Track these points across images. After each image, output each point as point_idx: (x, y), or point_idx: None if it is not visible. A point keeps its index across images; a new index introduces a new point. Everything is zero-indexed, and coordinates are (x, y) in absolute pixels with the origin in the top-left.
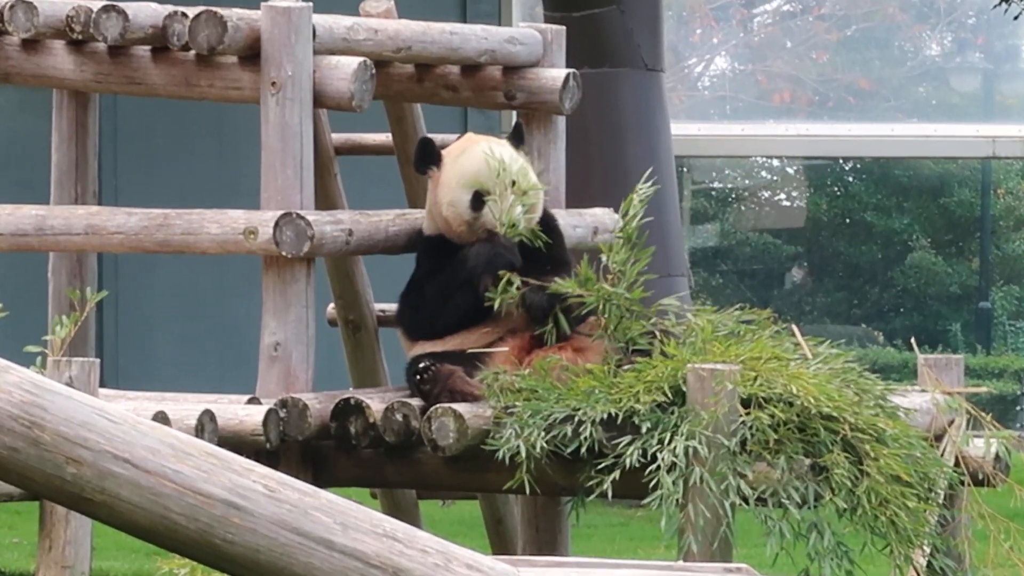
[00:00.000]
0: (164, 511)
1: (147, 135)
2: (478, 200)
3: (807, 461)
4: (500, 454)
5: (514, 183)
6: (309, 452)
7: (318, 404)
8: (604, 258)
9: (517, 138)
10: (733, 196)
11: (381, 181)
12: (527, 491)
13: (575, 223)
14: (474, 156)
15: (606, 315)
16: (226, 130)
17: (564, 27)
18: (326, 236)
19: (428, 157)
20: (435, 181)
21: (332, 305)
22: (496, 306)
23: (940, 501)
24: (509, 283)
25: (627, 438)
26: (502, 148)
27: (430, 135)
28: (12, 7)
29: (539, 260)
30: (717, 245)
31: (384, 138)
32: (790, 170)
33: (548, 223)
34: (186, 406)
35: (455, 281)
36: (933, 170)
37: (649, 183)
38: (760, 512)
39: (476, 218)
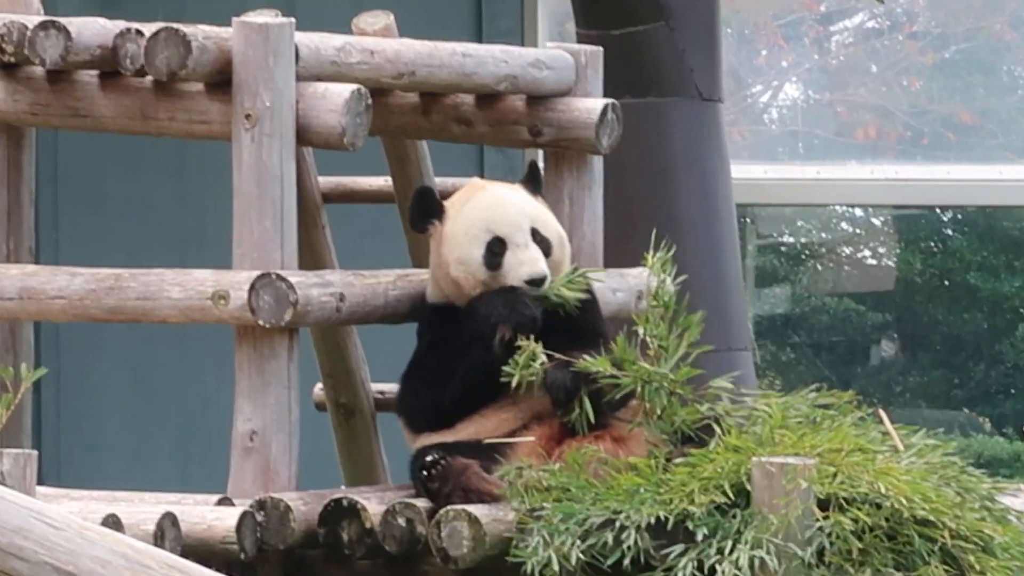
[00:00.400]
0: None
1: (94, 178)
2: (493, 254)
3: (898, 575)
4: (527, 568)
5: (535, 232)
6: (292, 563)
7: (303, 505)
8: (640, 331)
9: (533, 182)
10: (807, 253)
11: (379, 234)
12: None
13: (615, 286)
14: (483, 202)
15: (647, 400)
16: (190, 172)
17: (601, 48)
18: (312, 301)
19: (427, 210)
20: (438, 238)
21: (320, 386)
22: (515, 382)
23: None
24: (533, 357)
25: (679, 547)
26: (515, 193)
27: (428, 185)
28: None
29: (567, 331)
30: (788, 312)
31: (382, 182)
32: (876, 221)
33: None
34: (143, 508)
35: (463, 346)
36: None
37: (664, 248)
38: None
39: (494, 277)
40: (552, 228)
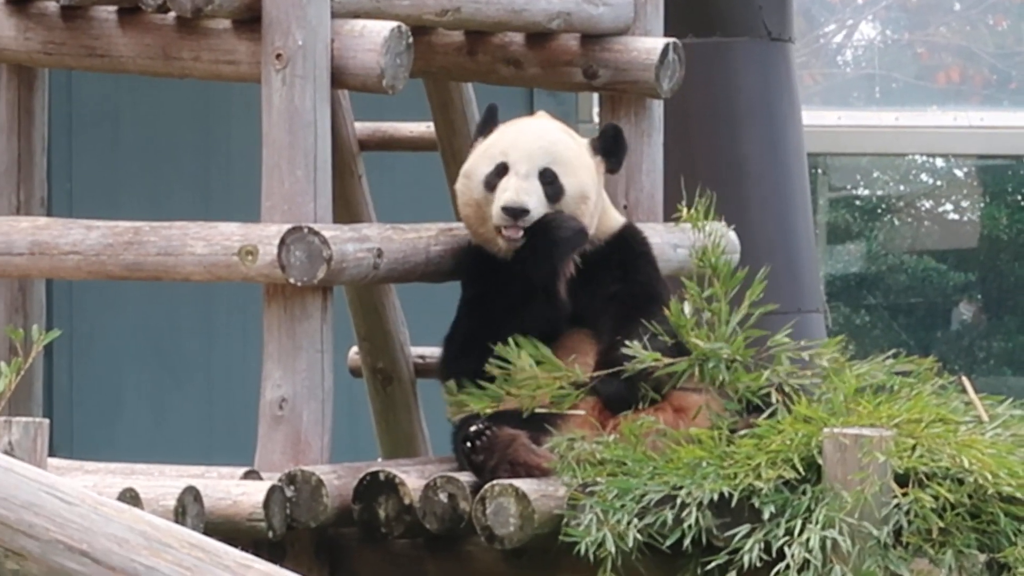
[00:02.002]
0: None
1: (112, 124)
2: (495, 175)
3: (982, 557)
4: (580, 548)
5: (548, 172)
6: (324, 543)
7: (336, 480)
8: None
9: (609, 148)
10: (884, 207)
11: (420, 185)
12: None
13: (675, 241)
14: (518, 127)
15: (706, 379)
16: (215, 118)
17: None
18: (347, 258)
19: (483, 127)
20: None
21: (355, 349)
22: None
23: None
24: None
25: (745, 527)
26: (556, 134)
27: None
28: None
29: (620, 294)
30: (863, 271)
31: (424, 128)
32: (959, 172)
33: (629, 243)
34: (163, 482)
35: (514, 302)
36: None
37: (703, 200)
38: None
39: (487, 199)
40: (577, 180)
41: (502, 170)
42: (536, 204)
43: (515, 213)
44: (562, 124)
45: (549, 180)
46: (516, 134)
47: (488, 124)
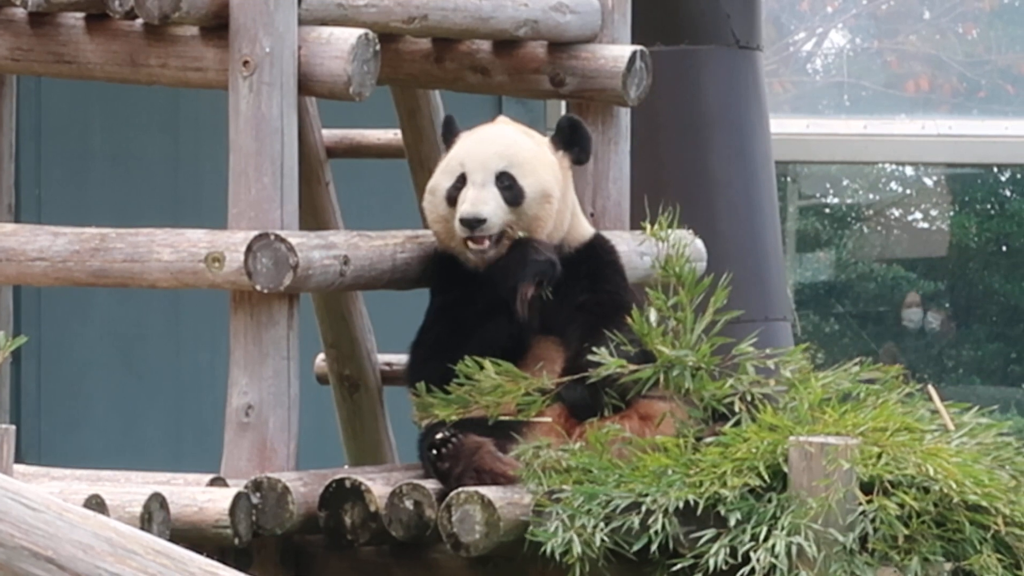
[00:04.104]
0: None
1: (80, 130)
2: (456, 188)
3: (948, 565)
4: (547, 548)
5: (504, 176)
6: (290, 550)
7: (302, 487)
8: (651, 312)
9: (568, 140)
10: (853, 215)
11: (387, 192)
12: None
13: (642, 249)
14: (474, 137)
15: (670, 386)
16: (183, 125)
17: None
18: (314, 265)
19: (445, 138)
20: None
21: (322, 356)
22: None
23: None
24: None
25: (710, 532)
26: (512, 136)
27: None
28: None
29: (586, 303)
30: (831, 280)
31: (392, 135)
32: (928, 181)
33: (598, 252)
34: (129, 488)
35: (481, 314)
36: None
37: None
38: None
39: (452, 213)
40: (536, 179)
41: (461, 182)
42: (493, 211)
43: (471, 224)
44: (522, 126)
45: (507, 184)
46: (472, 144)
47: (448, 136)
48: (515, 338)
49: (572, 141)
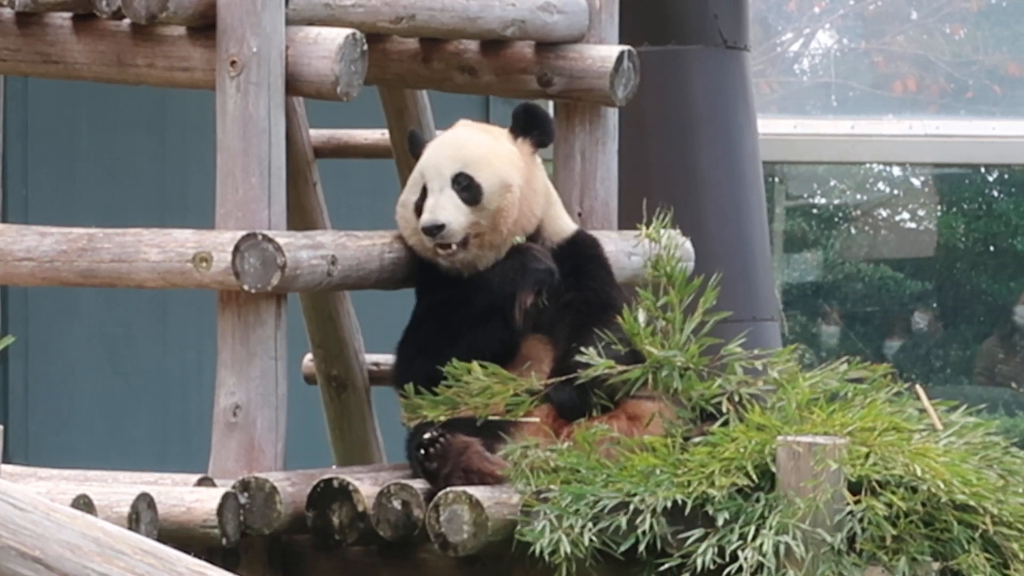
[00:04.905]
0: None
1: (67, 130)
2: (421, 199)
3: (936, 564)
4: (535, 548)
5: (461, 178)
6: (278, 550)
7: (290, 487)
8: (641, 312)
9: (522, 127)
10: (840, 215)
11: (375, 192)
12: None
13: (630, 249)
14: (433, 145)
15: (659, 386)
16: (170, 125)
17: None
18: (302, 265)
19: (413, 152)
20: None
21: (310, 356)
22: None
23: None
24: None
25: (698, 532)
26: (466, 136)
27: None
28: None
29: (573, 301)
30: (819, 280)
31: (379, 136)
32: (915, 181)
33: (581, 248)
34: (116, 488)
35: (475, 317)
36: None
37: (660, 215)
38: None
39: (420, 223)
40: (492, 172)
41: (425, 192)
42: (451, 216)
43: (431, 231)
44: (482, 125)
45: (464, 185)
46: (429, 152)
47: (415, 149)
48: (505, 342)
49: (530, 126)
